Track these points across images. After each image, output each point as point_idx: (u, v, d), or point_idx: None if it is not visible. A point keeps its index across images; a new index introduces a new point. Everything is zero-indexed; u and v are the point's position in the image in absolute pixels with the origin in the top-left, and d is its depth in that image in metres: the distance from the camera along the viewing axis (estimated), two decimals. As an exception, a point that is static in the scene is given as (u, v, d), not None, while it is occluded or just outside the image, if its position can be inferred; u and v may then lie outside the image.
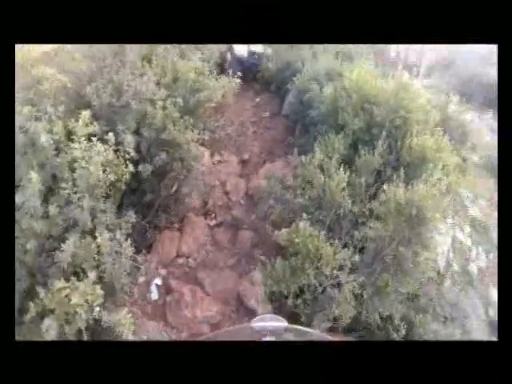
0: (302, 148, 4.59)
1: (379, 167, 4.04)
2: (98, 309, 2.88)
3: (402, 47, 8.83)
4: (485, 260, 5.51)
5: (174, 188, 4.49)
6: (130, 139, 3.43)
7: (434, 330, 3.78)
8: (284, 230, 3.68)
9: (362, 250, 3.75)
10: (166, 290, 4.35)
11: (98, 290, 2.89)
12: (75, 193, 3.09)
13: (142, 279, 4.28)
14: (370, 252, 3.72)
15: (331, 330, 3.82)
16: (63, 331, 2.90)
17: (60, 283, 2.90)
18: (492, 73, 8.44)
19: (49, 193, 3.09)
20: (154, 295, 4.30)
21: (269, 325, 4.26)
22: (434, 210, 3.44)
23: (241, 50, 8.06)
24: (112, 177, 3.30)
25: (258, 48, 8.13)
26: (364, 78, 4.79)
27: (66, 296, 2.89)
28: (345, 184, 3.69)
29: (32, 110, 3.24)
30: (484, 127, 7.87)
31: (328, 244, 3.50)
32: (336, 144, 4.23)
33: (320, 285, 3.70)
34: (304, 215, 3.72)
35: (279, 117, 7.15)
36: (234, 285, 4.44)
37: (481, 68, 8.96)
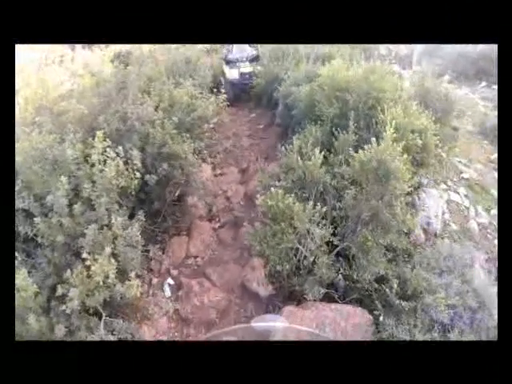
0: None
1: (356, 144, 4.31)
2: (112, 276, 3.29)
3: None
4: (486, 216, 5.52)
5: (177, 193, 5.01)
6: (136, 153, 4.08)
7: (428, 281, 3.80)
8: (261, 198, 4.05)
9: (345, 218, 4.05)
10: (177, 287, 4.79)
11: (113, 262, 3.34)
12: (94, 191, 3.67)
13: (155, 280, 4.75)
14: (352, 217, 3.98)
15: (328, 298, 4.01)
16: (84, 303, 3.28)
17: (80, 264, 3.35)
18: (479, 47, 8.79)
19: (73, 198, 3.62)
20: (168, 293, 4.73)
21: (269, 325, 4.27)
22: (395, 161, 3.72)
23: (232, 73, 8.74)
24: (123, 182, 3.85)
25: (247, 69, 8.70)
26: (335, 70, 5.17)
27: (88, 275, 3.30)
28: (320, 161, 4.01)
29: (56, 138, 4.02)
30: (476, 97, 8.08)
31: (298, 202, 3.78)
32: (313, 131, 4.63)
33: (309, 251, 3.90)
34: (276, 183, 4.09)
35: (273, 127, 7.84)
36: (238, 275, 4.88)
37: (468, 46, 9.23)
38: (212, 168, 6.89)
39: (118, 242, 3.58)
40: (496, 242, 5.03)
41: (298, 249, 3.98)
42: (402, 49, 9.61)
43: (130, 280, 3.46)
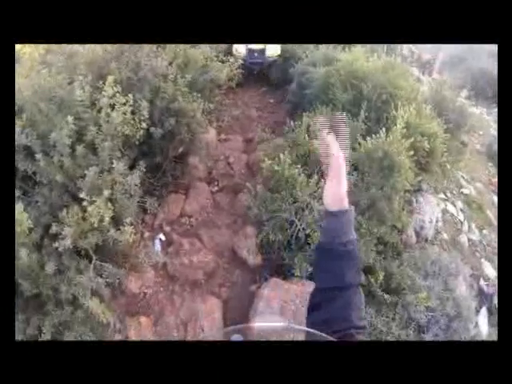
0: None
1: (364, 134, 4.34)
2: (107, 219, 3.27)
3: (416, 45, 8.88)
4: (477, 234, 5.65)
5: (181, 149, 5.00)
6: (145, 104, 3.93)
7: (413, 280, 3.91)
8: (268, 162, 4.11)
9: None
10: (167, 243, 4.80)
11: (110, 205, 3.33)
12: (98, 135, 3.61)
13: (147, 234, 4.70)
14: (350, 203, 4.00)
15: (312, 278, 4.02)
16: (76, 244, 3.27)
17: (77, 205, 3.34)
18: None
19: (76, 141, 3.54)
20: (157, 247, 4.69)
21: (269, 325, 4.27)
22: (401, 156, 3.77)
23: (238, 48, 7.69)
24: (128, 130, 3.77)
25: (256, 46, 7.57)
26: (355, 57, 5.15)
27: (83, 217, 3.30)
28: None
29: (66, 78, 3.89)
30: (490, 119, 8.11)
31: (303, 174, 3.86)
32: (323, 112, 4.65)
33: (306, 223, 3.91)
34: (285, 152, 4.10)
35: (283, 103, 7.59)
36: (229, 240, 4.91)
37: (491, 64, 9.25)
38: (217, 133, 6.74)
39: (117, 188, 3.55)
40: (483, 261, 5.19)
41: (293, 222, 3.99)
42: (425, 54, 9.52)
43: (124, 226, 3.46)
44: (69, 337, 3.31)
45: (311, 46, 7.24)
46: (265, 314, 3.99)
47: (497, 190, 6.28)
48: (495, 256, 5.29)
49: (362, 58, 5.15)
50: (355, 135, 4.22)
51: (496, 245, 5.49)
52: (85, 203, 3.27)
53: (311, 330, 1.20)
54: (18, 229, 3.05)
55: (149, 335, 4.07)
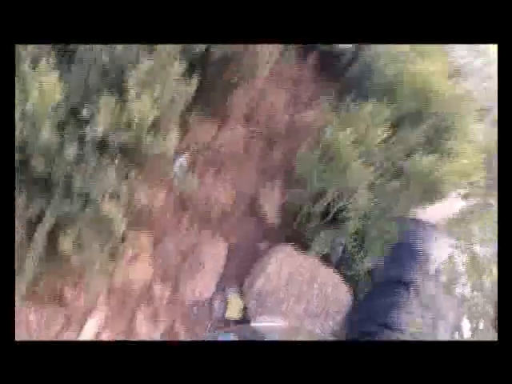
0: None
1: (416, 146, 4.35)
2: (150, 120, 3.04)
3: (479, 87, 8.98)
4: (469, 291, 5.73)
5: (236, 79, 4.39)
6: None
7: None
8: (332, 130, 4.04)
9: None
10: (190, 165, 4.47)
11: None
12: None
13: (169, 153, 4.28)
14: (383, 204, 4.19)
15: (325, 259, 4.19)
16: (106, 137, 3.01)
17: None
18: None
19: None
20: (176, 170, 4.33)
21: (269, 325, 4.27)
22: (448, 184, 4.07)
23: None
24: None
25: None
26: (434, 70, 5.01)
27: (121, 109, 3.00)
28: (384, 137, 4.07)
29: None
30: None
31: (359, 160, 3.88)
32: (385, 111, 4.42)
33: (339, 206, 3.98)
34: (348, 130, 3.96)
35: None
36: (253, 188, 4.62)
37: None
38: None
39: (166, 91, 3.20)
40: (463, 318, 5.28)
41: (338, 198, 3.97)
42: (484, 100, 9.43)
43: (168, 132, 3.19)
44: (68, 235, 3.02)
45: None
46: (271, 279, 3.98)
47: None
48: (475, 320, 5.58)
49: (440, 76, 5.04)
50: (409, 147, 4.27)
51: (480, 310, 5.67)
52: (130, 94, 2.92)
53: (311, 331, 1.20)
54: (46, 99, 2.79)
55: (146, 256, 3.96)
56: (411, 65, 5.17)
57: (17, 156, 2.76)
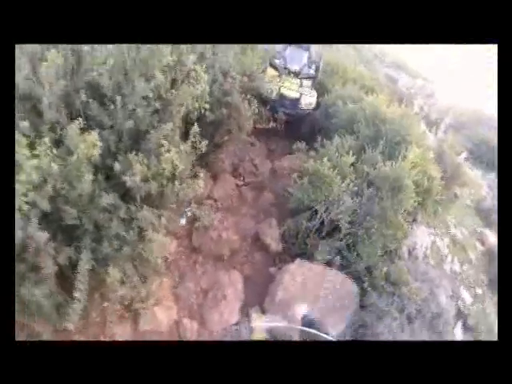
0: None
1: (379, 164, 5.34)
2: (180, 168, 3.70)
3: (425, 105, 9.87)
4: (459, 267, 6.54)
5: (226, 138, 5.41)
6: (206, 88, 4.31)
7: (406, 278, 4.78)
8: (311, 162, 5.08)
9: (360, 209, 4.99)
10: (193, 219, 5.01)
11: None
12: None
13: (173, 206, 4.69)
14: (365, 209, 4.99)
15: (329, 264, 4.84)
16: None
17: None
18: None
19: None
20: (183, 222, 5.00)
21: (269, 325, 4.29)
22: (408, 178, 4.92)
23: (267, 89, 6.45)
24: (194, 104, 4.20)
25: (292, 92, 6.70)
26: (379, 102, 6.36)
27: (148, 166, 3.58)
28: (351, 161, 5.12)
29: None
30: (484, 183, 9.22)
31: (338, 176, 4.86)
32: (349, 141, 5.63)
33: (335, 214, 4.81)
34: (325, 159, 4.97)
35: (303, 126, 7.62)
36: (253, 228, 5.43)
37: (492, 133, 10.29)
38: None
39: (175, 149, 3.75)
40: (461, 288, 6.16)
41: (327, 211, 4.90)
42: (432, 114, 10.47)
43: (197, 177, 3.96)
44: (113, 272, 3.33)
45: (340, 82, 7.73)
46: (288, 288, 4.49)
47: (480, 239, 7.51)
48: (471, 287, 6.38)
49: (384, 103, 6.41)
50: (373, 163, 5.25)
51: (473, 279, 6.53)
52: (163, 149, 3.49)
53: (312, 330, 1.20)
54: (87, 151, 3.16)
55: (170, 298, 4.33)
56: (361, 103, 6.47)
57: (49, 206, 3.10)
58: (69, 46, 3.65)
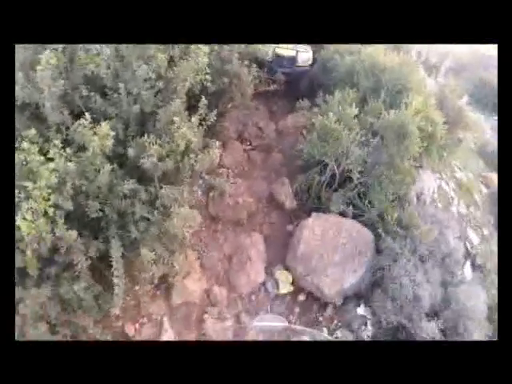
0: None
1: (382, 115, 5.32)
2: (195, 142, 3.76)
3: (423, 49, 9.57)
4: (465, 209, 6.65)
5: (229, 106, 5.41)
6: (205, 60, 4.25)
7: (417, 221, 4.93)
8: (319, 118, 5.04)
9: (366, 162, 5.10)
10: (208, 189, 5.11)
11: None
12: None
13: (188, 180, 4.70)
14: (373, 158, 5.11)
15: (344, 214, 5.02)
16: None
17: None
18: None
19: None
20: (199, 193, 5.05)
21: (269, 325, 4.29)
22: (412, 124, 4.94)
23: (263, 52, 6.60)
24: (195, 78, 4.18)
25: (288, 51, 6.70)
26: (376, 52, 6.18)
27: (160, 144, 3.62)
28: (355, 113, 5.07)
29: None
30: (486, 126, 8.86)
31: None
32: (350, 94, 5.51)
33: (347, 164, 4.95)
34: (331, 113, 4.95)
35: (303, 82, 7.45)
36: (266, 189, 5.53)
37: (494, 73, 9.72)
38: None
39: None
40: (468, 229, 6.28)
41: (327, 167, 5.08)
42: (432, 59, 10.12)
43: (211, 148, 3.97)
44: (144, 253, 3.36)
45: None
46: (309, 242, 4.70)
47: (485, 182, 7.54)
48: (478, 228, 6.47)
49: (382, 53, 6.27)
50: (377, 113, 5.27)
51: (480, 220, 6.64)
52: (174, 127, 3.54)
53: (311, 330, 1.20)
54: (101, 142, 3.19)
55: (197, 269, 4.49)
56: (358, 54, 6.31)
57: (72, 204, 3.17)
58: (60, 45, 3.63)
